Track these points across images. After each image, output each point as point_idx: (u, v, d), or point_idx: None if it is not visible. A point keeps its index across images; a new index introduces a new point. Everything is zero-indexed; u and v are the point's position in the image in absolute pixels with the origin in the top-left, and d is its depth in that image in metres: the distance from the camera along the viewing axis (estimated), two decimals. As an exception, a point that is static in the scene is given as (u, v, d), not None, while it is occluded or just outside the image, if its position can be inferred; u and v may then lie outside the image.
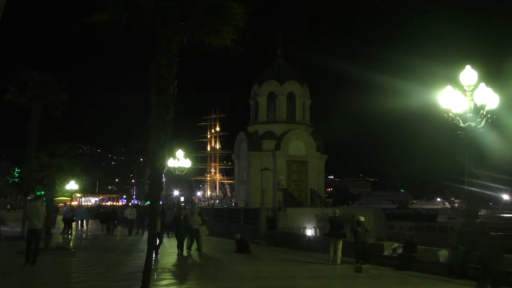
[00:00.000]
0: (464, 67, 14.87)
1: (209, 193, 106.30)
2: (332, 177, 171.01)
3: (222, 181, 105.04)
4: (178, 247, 20.00)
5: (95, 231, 33.51)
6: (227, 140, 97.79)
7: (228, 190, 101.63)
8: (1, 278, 13.34)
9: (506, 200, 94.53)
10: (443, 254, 15.52)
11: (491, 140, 16.45)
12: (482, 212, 59.18)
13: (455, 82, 14.94)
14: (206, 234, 21.29)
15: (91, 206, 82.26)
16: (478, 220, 10.87)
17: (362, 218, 19.09)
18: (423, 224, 48.21)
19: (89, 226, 34.86)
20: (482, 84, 14.61)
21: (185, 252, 19.94)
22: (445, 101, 14.91)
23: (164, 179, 13.11)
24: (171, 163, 34.10)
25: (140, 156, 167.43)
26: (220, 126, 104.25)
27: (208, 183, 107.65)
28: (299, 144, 38.37)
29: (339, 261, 17.80)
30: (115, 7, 10.31)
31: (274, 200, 35.58)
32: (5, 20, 8.56)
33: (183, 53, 10.78)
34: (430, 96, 15.82)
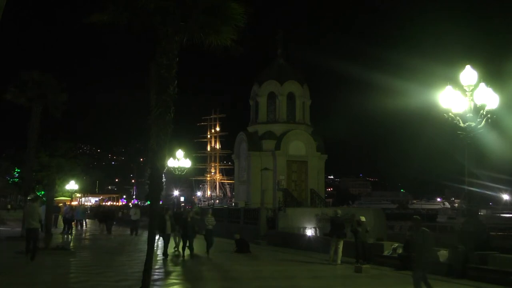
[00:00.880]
0: (464, 67, 14.88)
1: (209, 193, 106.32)
2: (332, 177, 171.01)
3: (222, 181, 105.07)
4: (182, 249, 19.51)
5: (94, 231, 33.66)
6: (227, 140, 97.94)
7: (228, 190, 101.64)
8: (1, 278, 13.34)
9: (506, 200, 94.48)
10: (443, 254, 15.52)
11: (491, 140, 16.46)
12: (482, 212, 59.13)
13: (455, 82, 14.95)
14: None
15: (91, 206, 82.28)
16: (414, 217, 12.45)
17: (362, 218, 19.10)
18: (423, 224, 48.15)
19: (87, 226, 35.02)
20: (482, 84, 14.62)
21: (205, 254, 19.33)
22: (445, 101, 14.91)
23: (164, 179, 13.10)
24: (171, 163, 34.09)
25: (140, 156, 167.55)
26: (220, 126, 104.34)
27: (208, 183, 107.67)
28: (299, 144, 38.37)
29: (339, 261, 17.80)
30: (115, 7, 10.31)
31: (274, 200, 35.57)
32: (5, 20, 8.56)
33: (183, 53, 10.79)
34: (430, 96, 15.83)
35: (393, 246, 18.09)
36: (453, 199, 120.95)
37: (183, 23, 10.39)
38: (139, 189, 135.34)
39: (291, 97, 39.39)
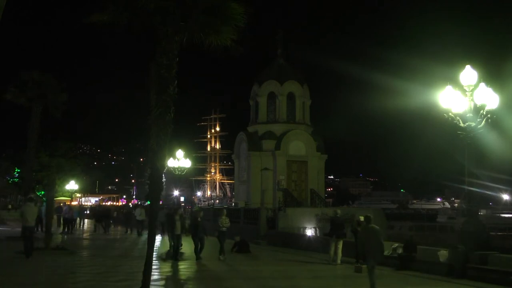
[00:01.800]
0: (464, 67, 14.88)
1: (209, 193, 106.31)
2: (332, 177, 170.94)
3: (222, 181, 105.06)
4: (194, 251, 18.40)
5: (92, 230, 33.88)
6: (227, 140, 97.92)
7: (228, 190, 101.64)
8: (1, 278, 13.35)
9: (506, 200, 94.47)
10: (443, 254, 15.52)
11: (491, 140, 16.46)
12: (482, 212, 59.14)
13: (455, 82, 14.94)
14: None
15: (91, 206, 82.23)
16: (368, 214, 14.02)
17: (362, 218, 19.07)
18: (423, 224, 48.18)
19: (85, 225, 35.40)
20: (482, 84, 14.62)
21: (221, 258, 18.37)
22: (445, 101, 14.91)
23: (164, 179, 13.09)
24: (171, 163, 34.11)
25: (140, 156, 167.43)
26: (220, 126, 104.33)
27: (208, 183, 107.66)
28: (299, 144, 38.38)
29: (339, 261, 17.80)
30: (115, 7, 10.31)
31: (274, 200, 35.59)
32: (5, 20, 8.56)
33: (183, 53, 10.79)
34: (430, 96, 15.83)
35: (393, 246, 18.07)
36: (453, 199, 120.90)
37: (183, 23, 10.39)
38: (139, 189, 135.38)
39: (291, 97, 39.41)
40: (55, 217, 35.87)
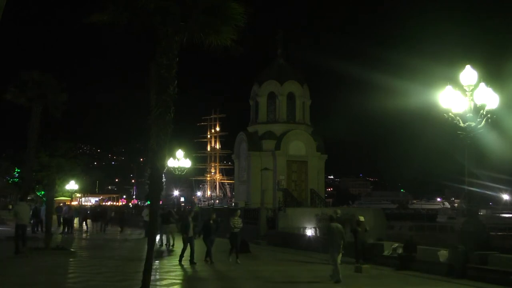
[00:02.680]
0: (464, 67, 14.88)
1: (209, 193, 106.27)
2: (332, 177, 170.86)
3: (222, 181, 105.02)
4: (207, 254, 17.63)
5: (89, 230, 34.67)
6: (227, 140, 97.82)
7: (228, 190, 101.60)
8: (1, 278, 13.35)
9: (506, 200, 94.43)
10: (443, 254, 15.53)
11: (491, 140, 16.46)
12: (482, 212, 59.14)
13: (455, 82, 14.95)
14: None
15: (90, 206, 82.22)
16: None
17: (362, 218, 19.08)
18: (423, 224, 48.17)
19: (83, 225, 36.04)
20: (482, 84, 14.63)
21: (237, 261, 17.65)
22: (445, 101, 14.92)
23: (164, 179, 13.08)
24: (171, 163, 34.12)
25: (140, 156, 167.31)
26: (220, 126, 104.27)
27: (208, 183, 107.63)
28: (299, 144, 38.39)
29: (339, 261, 17.78)
30: (115, 7, 10.30)
31: (274, 200, 35.60)
32: (5, 20, 8.56)
33: (183, 53, 10.78)
34: (430, 96, 15.83)
35: (393, 246, 18.09)
36: (453, 199, 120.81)
37: (183, 23, 10.38)
38: (139, 189, 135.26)
39: (291, 97, 39.42)
40: (54, 217, 36.10)
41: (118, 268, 15.78)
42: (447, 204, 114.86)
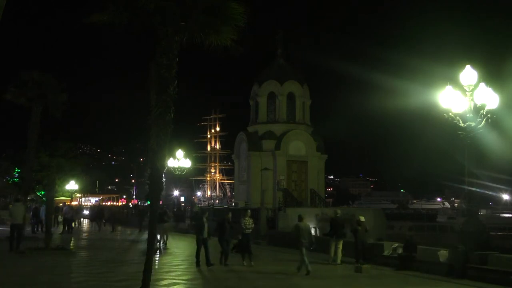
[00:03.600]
0: (464, 67, 14.88)
1: (209, 193, 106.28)
2: (332, 177, 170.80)
3: (222, 181, 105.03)
4: (223, 255, 17.10)
5: (87, 229, 35.56)
6: (227, 140, 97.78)
7: (228, 190, 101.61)
8: (1, 278, 13.35)
9: (506, 200, 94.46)
10: (443, 254, 15.53)
11: (491, 140, 16.47)
12: (482, 212, 59.16)
13: (455, 82, 14.95)
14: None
15: (90, 206, 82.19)
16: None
17: (362, 218, 19.09)
18: (423, 224, 48.15)
19: (81, 225, 36.74)
20: (482, 84, 14.63)
21: (251, 263, 17.01)
22: (445, 101, 14.92)
23: (164, 179, 13.08)
24: (171, 163, 34.15)
25: (140, 156, 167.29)
26: (220, 126, 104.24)
27: (208, 183, 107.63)
28: (299, 144, 38.40)
29: (339, 261, 17.81)
30: (115, 7, 10.31)
31: (274, 200, 35.62)
32: (5, 20, 8.56)
33: (183, 53, 10.78)
34: (430, 96, 15.84)
35: (393, 246, 18.09)
36: (453, 199, 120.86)
37: (183, 23, 10.39)
38: (139, 189, 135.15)
39: (291, 97, 39.42)
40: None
41: (118, 268, 15.79)
42: (447, 204, 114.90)
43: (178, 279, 14.20)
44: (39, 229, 30.53)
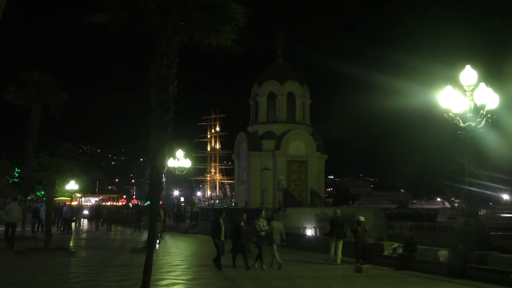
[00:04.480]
0: (464, 67, 14.89)
1: (209, 193, 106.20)
2: (332, 177, 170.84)
3: (222, 181, 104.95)
4: (233, 258, 16.46)
5: (85, 229, 36.42)
6: (227, 140, 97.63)
7: (228, 190, 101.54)
8: (0, 278, 13.35)
9: (506, 200, 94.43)
10: (443, 254, 15.54)
11: (491, 140, 16.47)
12: (482, 212, 59.09)
13: (455, 82, 14.96)
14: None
15: (90, 206, 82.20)
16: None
17: (362, 218, 19.10)
18: (423, 224, 48.14)
19: (80, 225, 37.38)
20: (482, 84, 14.64)
21: (263, 267, 16.41)
22: (445, 101, 14.92)
23: (164, 179, 13.06)
24: (171, 163, 34.16)
25: (140, 156, 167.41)
26: (220, 126, 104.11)
27: (208, 183, 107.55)
28: (299, 144, 38.37)
29: (339, 261, 17.81)
30: (115, 7, 10.30)
31: (274, 200, 35.62)
32: (5, 20, 8.56)
33: (184, 53, 10.78)
34: (430, 96, 15.84)
35: (393, 246, 18.10)
36: (453, 199, 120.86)
37: (183, 23, 10.38)
38: (139, 189, 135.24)
39: (291, 97, 39.39)
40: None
41: (118, 268, 15.79)
42: (447, 204, 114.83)
43: (178, 279, 14.20)
44: (39, 229, 30.53)
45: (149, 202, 10.87)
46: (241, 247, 16.32)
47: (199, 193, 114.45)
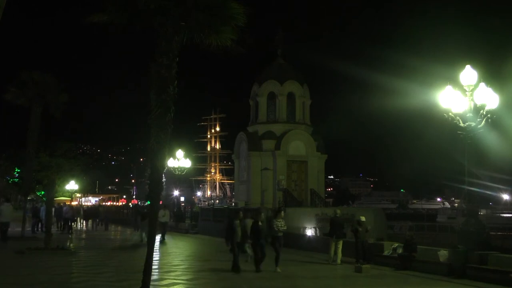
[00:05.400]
0: (464, 67, 14.88)
1: (209, 193, 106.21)
2: (332, 177, 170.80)
3: (222, 181, 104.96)
4: (256, 262, 15.68)
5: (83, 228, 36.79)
6: (227, 140, 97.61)
7: (228, 190, 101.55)
8: (0, 278, 13.35)
9: (506, 200, 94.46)
10: (443, 254, 15.53)
11: (491, 140, 16.48)
12: (482, 212, 59.10)
13: (455, 82, 14.96)
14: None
15: (90, 206, 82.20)
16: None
17: (362, 218, 19.09)
18: (423, 224, 48.17)
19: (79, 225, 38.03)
20: (482, 84, 14.63)
21: (278, 269, 15.62)
22: (445, 101, 14.92)
23: (164, 179, 13.05)
24: (171, 163, 34.16)
25: (140, 156, 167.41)
26: (220, 126, 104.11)
27: (208, 183, 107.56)
28: (299, 144, 38.37)
29: (339, 261, 17.81)
30: (115, 7, 10.30)
31: (274, 200, 35.63)
32: (5, 20, 8.56)
33: (184, 53, 10.78)
34: (430, 96, 15.84)
35: (393, 246, 18.10)
36: (453, 199, 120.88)
37: (183, 23, 10.38)
38: (139, 189, 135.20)
39: (291, 97, 39.39)
40: None
41: (118, 268, 15.79)
42: (447, 204, 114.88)
43: (178, 279, 14.20)
44: (39, 229, 30.54)
45: (149, 202, 10.88)
46: (261, 248, 15.64)
47: (199, 193, 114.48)
